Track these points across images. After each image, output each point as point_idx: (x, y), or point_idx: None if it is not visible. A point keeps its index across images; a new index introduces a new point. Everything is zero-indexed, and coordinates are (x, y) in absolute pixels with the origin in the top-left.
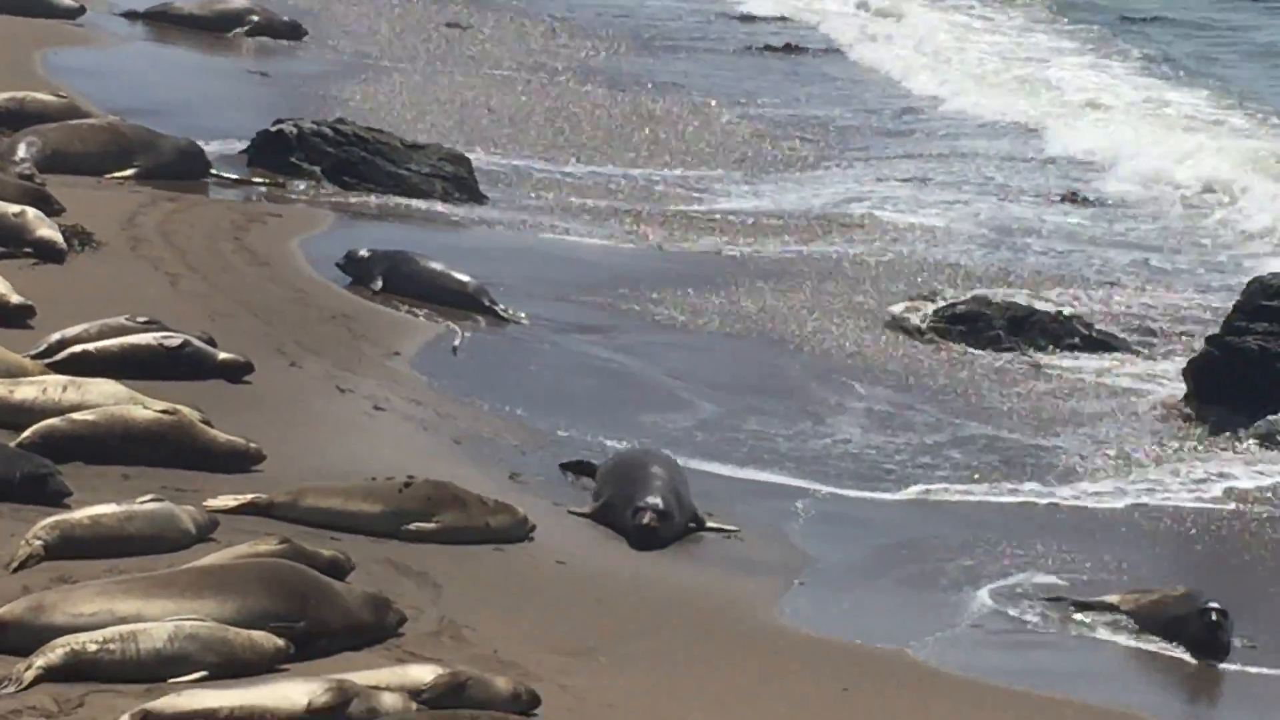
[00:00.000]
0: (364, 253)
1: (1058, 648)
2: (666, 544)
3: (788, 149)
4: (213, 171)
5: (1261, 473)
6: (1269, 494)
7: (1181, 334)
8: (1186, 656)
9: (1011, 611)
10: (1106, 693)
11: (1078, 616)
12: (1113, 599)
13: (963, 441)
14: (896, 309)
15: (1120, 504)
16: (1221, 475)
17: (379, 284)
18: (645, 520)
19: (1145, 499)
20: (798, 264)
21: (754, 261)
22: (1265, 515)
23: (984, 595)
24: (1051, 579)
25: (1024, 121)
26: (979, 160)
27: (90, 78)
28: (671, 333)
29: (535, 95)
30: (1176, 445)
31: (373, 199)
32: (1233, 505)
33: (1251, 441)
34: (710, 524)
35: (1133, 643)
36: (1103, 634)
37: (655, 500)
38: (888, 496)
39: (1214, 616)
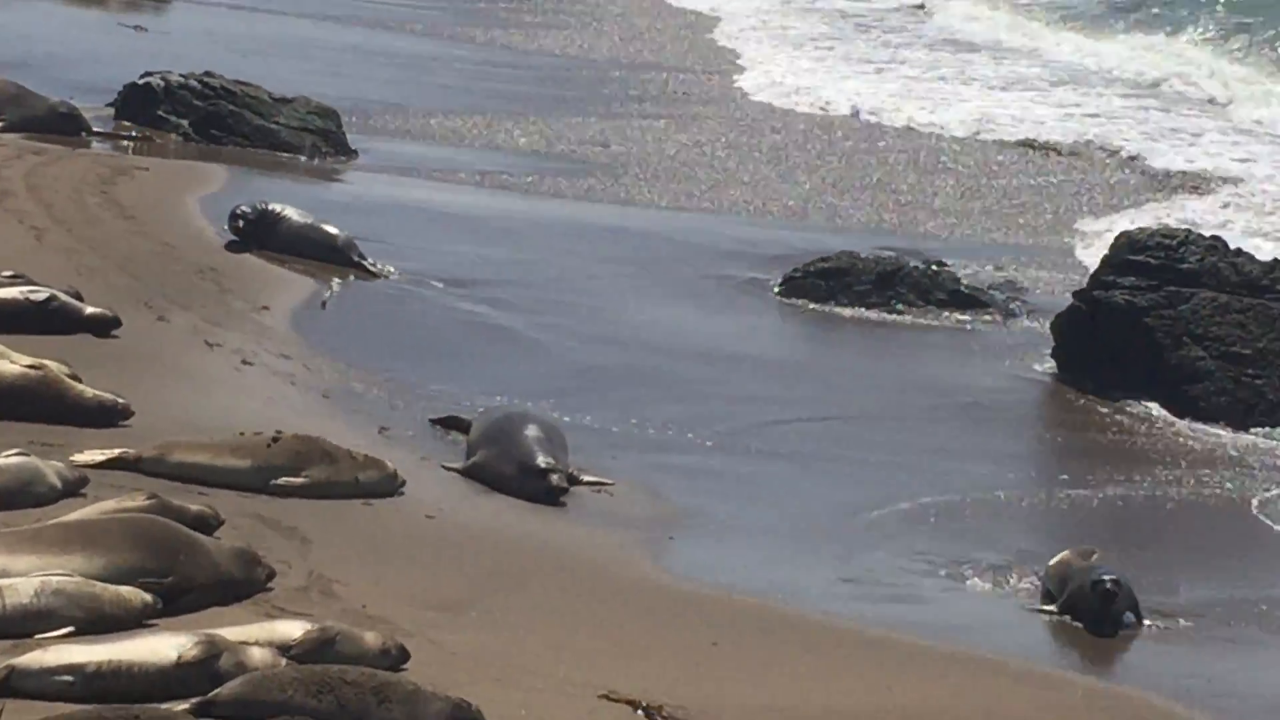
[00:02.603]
0: (244, 208)
1: (926, 600)
2: None
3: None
4: (97, 131)
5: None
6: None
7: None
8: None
9: (883, 563)
10: (972, 640)
11: (946, 572)
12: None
13: (838, 398)
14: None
15: (983, 468)
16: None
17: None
18: (555, 480)
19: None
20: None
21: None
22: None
23: (857, 548)
24: (923, 531)
25: None
26: None
27: None
28: (541, 288)
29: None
30: (1042, 407)
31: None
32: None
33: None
34: (585, 478)
35: (1000, 592)
36: (971, 585)
37: (550, 459)
38: (761, 450)
39: (1107, 586)
